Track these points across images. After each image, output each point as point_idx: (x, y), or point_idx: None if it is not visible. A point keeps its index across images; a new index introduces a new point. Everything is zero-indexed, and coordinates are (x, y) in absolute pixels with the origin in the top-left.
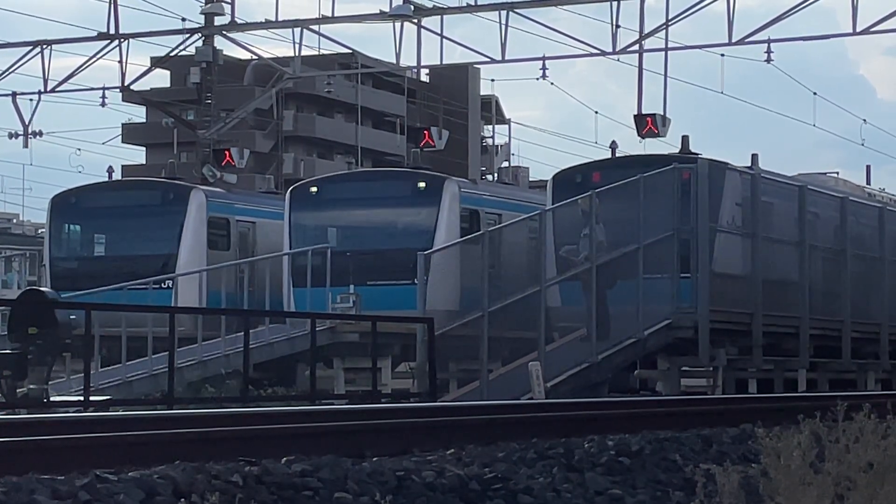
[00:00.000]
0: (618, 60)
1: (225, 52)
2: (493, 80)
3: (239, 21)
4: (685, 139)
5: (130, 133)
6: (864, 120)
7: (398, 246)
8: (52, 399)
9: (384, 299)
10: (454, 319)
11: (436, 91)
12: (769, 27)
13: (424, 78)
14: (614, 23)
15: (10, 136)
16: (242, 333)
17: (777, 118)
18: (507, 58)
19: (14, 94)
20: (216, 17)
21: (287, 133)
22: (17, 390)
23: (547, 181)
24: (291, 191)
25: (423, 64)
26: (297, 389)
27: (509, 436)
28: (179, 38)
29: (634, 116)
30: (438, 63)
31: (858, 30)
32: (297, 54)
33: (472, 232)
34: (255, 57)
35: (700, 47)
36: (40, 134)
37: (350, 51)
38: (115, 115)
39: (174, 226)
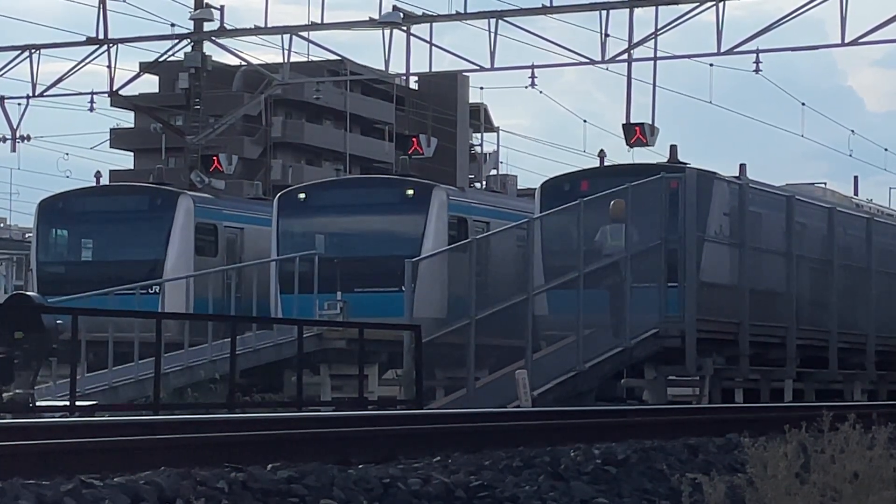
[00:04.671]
0: (606, 69)
1: (214, 58)
2: (481, 88)
3: (228, 27)
4: (673, 148)
5: (119, 138)
6: (852, 131)
7: (386, 253)
8: (37, 404)
9: (371, 306)
10: (441, 327)
11: (424, 98)
12: (758, 37)
13: (413, 85)
14: (603, 32)
15: None
16: (229, 339)
17: (765, 128)
18: (495, 66)
19: (2, 99)
20: (205, 23)
21: (275, 139)
22: (3, 395)
23: (535, 189)
24: (279, 197)
25: (411, 71)
26: (284, 396)
27: (495, 444)
28: (168, 43)
29: (623, 125)
30: (427, 70)
31: (847, 41)
32: (286, 61)
33: (459, 240)
34: (244, 63)
35: (689, 57)
36: (28, 138)
37: (339, 58)
38: (104, 120)
39: (162, 231)
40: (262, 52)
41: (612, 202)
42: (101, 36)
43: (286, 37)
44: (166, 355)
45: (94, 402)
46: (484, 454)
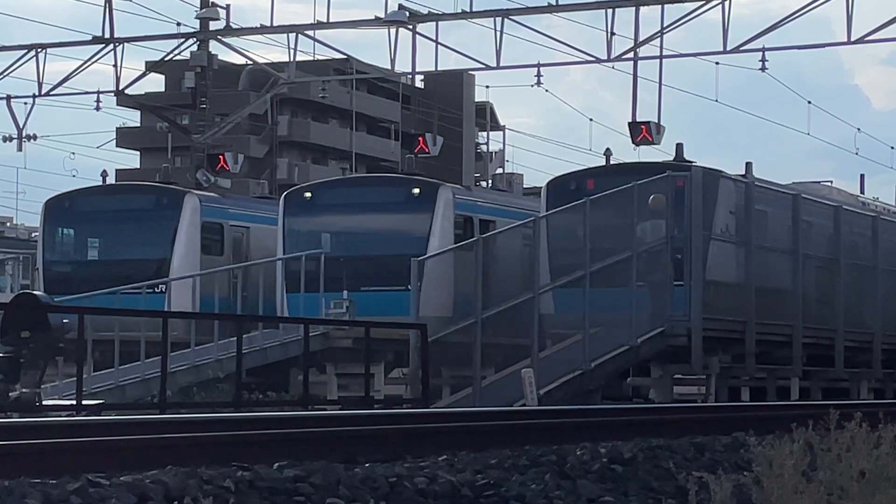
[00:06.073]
0: (612, 68)
1: (220, 57)
2: (487, 87)
3: (234, 26)
4: (679, 147)
5: (125, 137)
6: (858, 129)
7: (392, 252)
8: (44, 403)
9: (378, 305)
10: (447, 326)
11: (430, 97)
12: (764, 36)
13: (419, 84)
14: (609, 30)
15: (5, 139)
16: (235, 338)
17: (771, 127)
18: (501, 64)
19: (8, 98)
20: (211, 22)
21: (281, 138)
22: (10, 394)
23: (541, 188)
24: (285, 196)
25: (417, 70)
26: (290, 395)
27: (502, 442)
28: (174, 42)
29: (629, 124)
30: (433, 69)
31: (853, 39)
32: (291, 59)
33: (465, 238)
34: (250, 62)
35: (695, 55)
36: (34, 137)
37: (345, 56)
38: (110, 120)
39: (168, 230)
40: (268, 51)
41: (651, 196)
42: (107, 35)
43: (292, 36)
44: (173, 354)
45: (100, 401)
46: (490, 453)
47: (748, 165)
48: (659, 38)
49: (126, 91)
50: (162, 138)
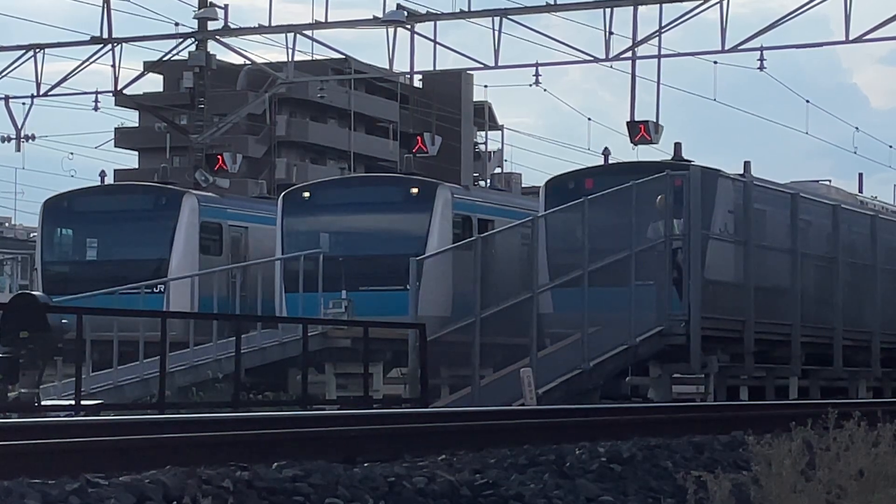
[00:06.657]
0: (611, 67)
1: (218, 57)
2: (486, 87)
3: (232, 26)
4: (678, 146)
5: (123, 137)
6: (857, 128)
7: (390, 251)
8: (43, 403)
9: (376, 305)
10: (446, 325)
11: (429, 97)
12: (762, 35)
13: (417, 84)
14: (607, 30)
15: (3, 139)
16: (234, 338)
17: (770, 126)
18: (500, 64)
19: (7, 98)
20: (209, 22)
21: (280, 138)
22: (9, 394)
23: (539, 187)
24: (284, 196)
25: (416, 70)
26: (289, 394)
27: (500, 442)
28: (173, 42)
29: (627, 123)
30: (431, 69)
31: (851, 38)
32: (290, 59)
33: (464, 238)
34: (248, 62)
35: (693, 54)
36: (33, 138)
37: (343, 56)
38: (108, 120)
39: (166, 230)
40: (267, 51)
41: (658, 197)
42: (105, 35)
43: (290, 35)
44: (171, 354)
45: (99, 402)
46: (489, 452)
47: (746, 164)
48: (657, 38)
49: (124, 91)
50: (160, 138)
